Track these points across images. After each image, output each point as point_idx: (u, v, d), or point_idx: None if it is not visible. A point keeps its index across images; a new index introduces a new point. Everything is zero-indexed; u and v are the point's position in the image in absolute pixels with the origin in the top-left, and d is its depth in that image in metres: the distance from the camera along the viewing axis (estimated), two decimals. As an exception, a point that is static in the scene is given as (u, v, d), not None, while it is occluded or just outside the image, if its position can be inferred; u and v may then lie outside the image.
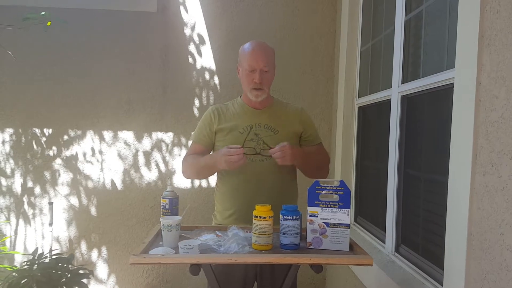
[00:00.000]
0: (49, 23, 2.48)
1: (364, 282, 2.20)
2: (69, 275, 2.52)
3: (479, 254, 1.23)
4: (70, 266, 2.59)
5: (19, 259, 3.10)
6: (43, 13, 2.49)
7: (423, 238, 1.85)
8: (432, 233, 1.78)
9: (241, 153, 1.72)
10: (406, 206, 2.03)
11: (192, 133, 3.14)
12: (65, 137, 3.11)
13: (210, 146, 1.98)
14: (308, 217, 1.49)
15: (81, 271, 2.58)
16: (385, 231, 2.17)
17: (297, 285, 1.96)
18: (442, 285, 1.51)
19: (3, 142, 3.08)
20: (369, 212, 2.58)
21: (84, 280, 2.55)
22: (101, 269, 3.16)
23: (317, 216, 1.49)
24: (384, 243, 2.19)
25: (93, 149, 3.13)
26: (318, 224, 1.49)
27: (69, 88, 3.09)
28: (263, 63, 1.82)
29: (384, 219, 2.18)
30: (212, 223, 2.01)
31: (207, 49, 3.16)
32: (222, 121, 1.93)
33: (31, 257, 2.64)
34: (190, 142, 3.14)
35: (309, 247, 1.50)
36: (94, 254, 3.15)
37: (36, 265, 2.51)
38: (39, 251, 2.71)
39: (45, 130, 3.10)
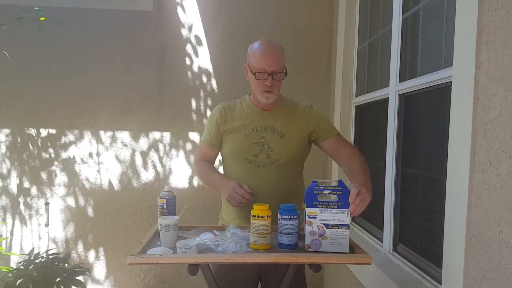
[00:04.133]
0: (43, 18, 2.46)
1: (362, 281, 2.20)
2: (65, 274, 2.51)
3: (477, 252, 1.23)
4: (66, 265, 2.58)
5: (15, 260, 3.08)
6: (36, 8, 2.47)
7: (421, 236, 1.85)
8: (430, 231, 1.78)
9: (248, 199, 1.68)
10: (403, 205, 2.03)
11: (190, 132, 3.14)
12: (62, 137, 3.10)
13: (219, 146, 1.94)
14: (307, 219, 1.45)
15: (77, 269, 2.57)
16: (382, 230, 2.17)
17: (305, 284, 1.94)
18: (440, 284, 1.51)
19: (-1, 142, 3.06)
20: (367, 211, 2.57)
21: (81, 279, 2.54)
22: (98, 270, 3.15)
23: (315, 218, 1.45)
24: (382, 242, 2.19)
25: (89, 149, 3.12)
26: (317, 226, 1.45)
27: (65, 88, 3.07)
28: (275, 66, 1.73)
29: (381, 218, 2.18)
30: (218, 221, 1.99)
31: (204, 48, 3.15)
32: (229, 121, 1.87)
33: (27, 257, 2.63)
34: (187, 142, 3.15)
35: (308, 250, 1.46)
36: (91, 254, 3.14)
37: (32, 265, 2.50)
38: (35, 251, 2.70)
39: (42, 130, 3.08)
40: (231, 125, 1.86)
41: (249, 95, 1.93)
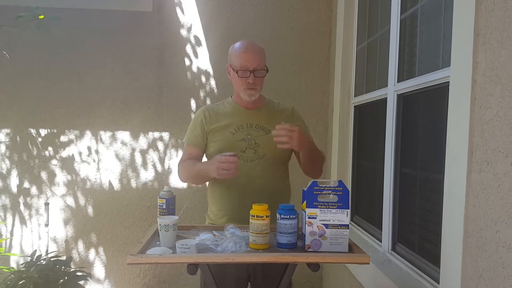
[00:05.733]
0: (41, 17, 2.47)
1: (361, 281, 2.21)
2: (66, 278, 2.51)
3: (475, 251, 1.24)
4: (68, 268, 2.58)
5: (14, 259, 3.09)
6: (35, 6, 2.48)
7: (419, 236, 1.86)
8: (428, 231, 1.79)
9: (233, 162, 1.66)
10: (402, 204, 2.04)
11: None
12: (61, 137, 3.10)
13: (204, 147, 1.94)
14: (307, 219, 1.46)
15: (79, 273, 2.57)
16: (381, 230, 2.18)
17: (292, 284, 1.96)
18: (438, 283, 1.52)
19: (-1, 142, 3.07)
20: (366, 211, 2.59)
21: (81, 282, 2.54)
22: (98, 270, 3.15)
23: (315, 218, 1.46)
24: (381, 242, 2.20)
25: (89, 149, 3.12)
26: (317, 226, 1.46)
27: (64, 88, 3.08)
28: (256, 64, 1.80)
29: (380, 218, 2.19)
30: (205, 222, 2.01)
31: (203, 49, 3.16)
32: (213, 121, 1.90)
33: (28, 258, 2.63)
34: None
35: (308, 250, 1.47)
36: (91, 254, 3.14)
37: (34, 267, 2.50)
38: (36, 252, 2.70)
39: (41, 130, 3.09)
40: (216, 125, 1.89)
41: (231, 96, 1.99)
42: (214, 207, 1.94)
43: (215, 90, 3.17)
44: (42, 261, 2.58)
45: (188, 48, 3.15)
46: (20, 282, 2.39)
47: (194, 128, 1.94)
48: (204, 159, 2.00)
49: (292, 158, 2.00)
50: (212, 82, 3.16)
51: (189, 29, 3.15)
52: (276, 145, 1.86)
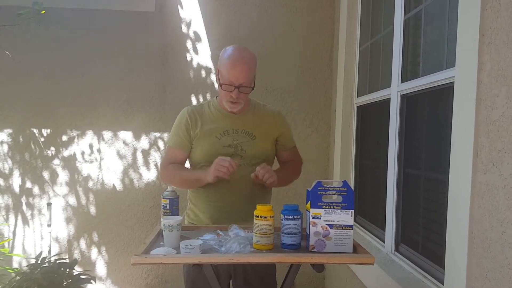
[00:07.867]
0: (43, 12, 2.47)
1: (364, 281, 2.21)
2: (70, 280, 2.52)
3: (480, 252, 1.23)
4: (72, 270, 2.59)
5: (17, 260, 3.09)
6: (34, 1, 2.47)
7: (423, 237, 1.86)
8: (432, 232, 1.78)
9: (233, 165, 1.66)
10: (405, 205, 2.03)
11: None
12: (64, 137, 3.10)
13: (189, 150, 1.89)
14: (311, 220, 1.46)
15: (83, 276, 2.57)
16: (384, 230, 2.18)
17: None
18: (443, 284, 1.52)
19: (1, 142, 3.07)
20: (369, 212, 2.59)
21: (85, 285, 2.55)
22: (100, 270, 3.15)
23: (320, 218, 1.46)
24: (384, 242, 2.20)
25: (92, 149, 3.12)
26: (321, 226, 1.46)
27: (67, 88, 3.08)
28: (242, 80, 1.75)
29: (383, 218, 2.19)
30: (184, 221, 1.98)
31: (205, 48, 3.16)
32: (198, 125, 1.85)
33: (32, 260, 2.63)
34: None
35: (312, 251, 1.47)
36: (93, 254, 3.14)
37: (38, 269, 2.50)
38: (39, 253, 2.71)
39: (43, 130, 3.09)
40: (201, 129, 1.85)
41: (216, 97, 1.94)
42: (194, 207, 1.93)
43: (217, 90, 3.16)
44: (46, 263, 2.58)
45: (191, 48, 3.15)
46: (25, 284, 2.39)
47: (179, 131, 1.88)
48: (187, 165, 1.96)
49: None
50: (215, 82, 3.16)
51: (191, 29, 3.15)
52: (261, 150, 1.88)
